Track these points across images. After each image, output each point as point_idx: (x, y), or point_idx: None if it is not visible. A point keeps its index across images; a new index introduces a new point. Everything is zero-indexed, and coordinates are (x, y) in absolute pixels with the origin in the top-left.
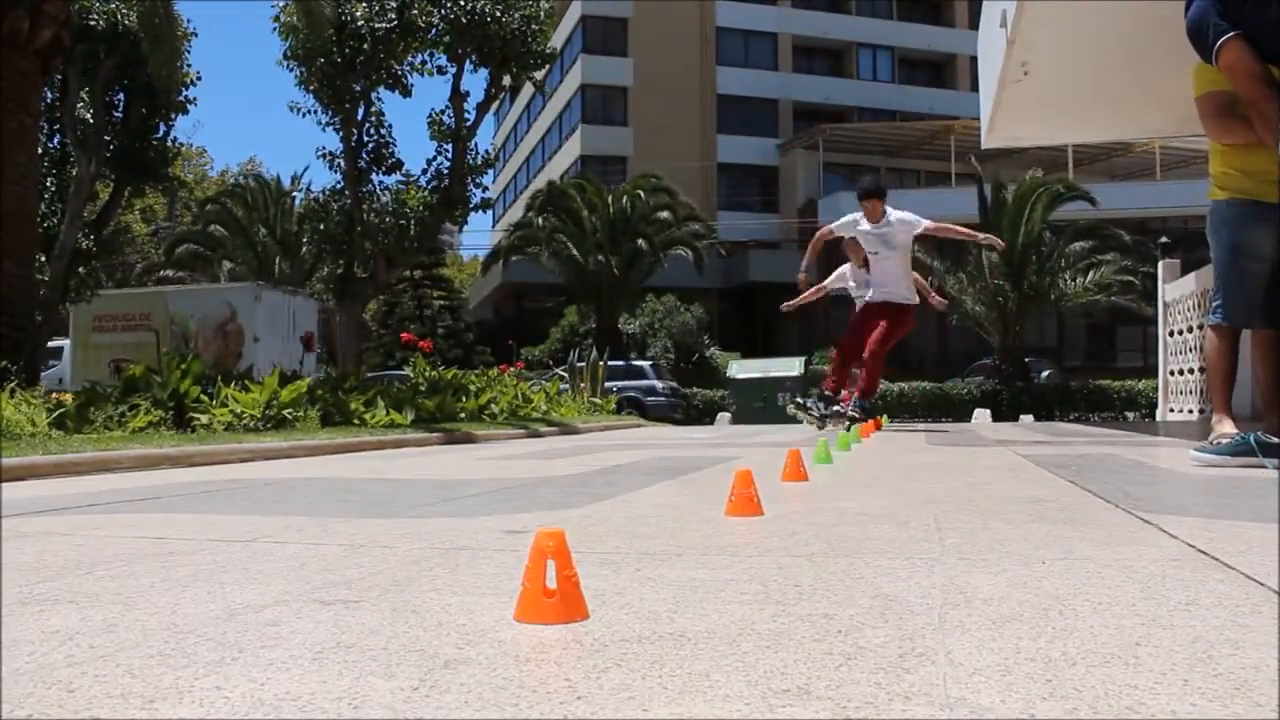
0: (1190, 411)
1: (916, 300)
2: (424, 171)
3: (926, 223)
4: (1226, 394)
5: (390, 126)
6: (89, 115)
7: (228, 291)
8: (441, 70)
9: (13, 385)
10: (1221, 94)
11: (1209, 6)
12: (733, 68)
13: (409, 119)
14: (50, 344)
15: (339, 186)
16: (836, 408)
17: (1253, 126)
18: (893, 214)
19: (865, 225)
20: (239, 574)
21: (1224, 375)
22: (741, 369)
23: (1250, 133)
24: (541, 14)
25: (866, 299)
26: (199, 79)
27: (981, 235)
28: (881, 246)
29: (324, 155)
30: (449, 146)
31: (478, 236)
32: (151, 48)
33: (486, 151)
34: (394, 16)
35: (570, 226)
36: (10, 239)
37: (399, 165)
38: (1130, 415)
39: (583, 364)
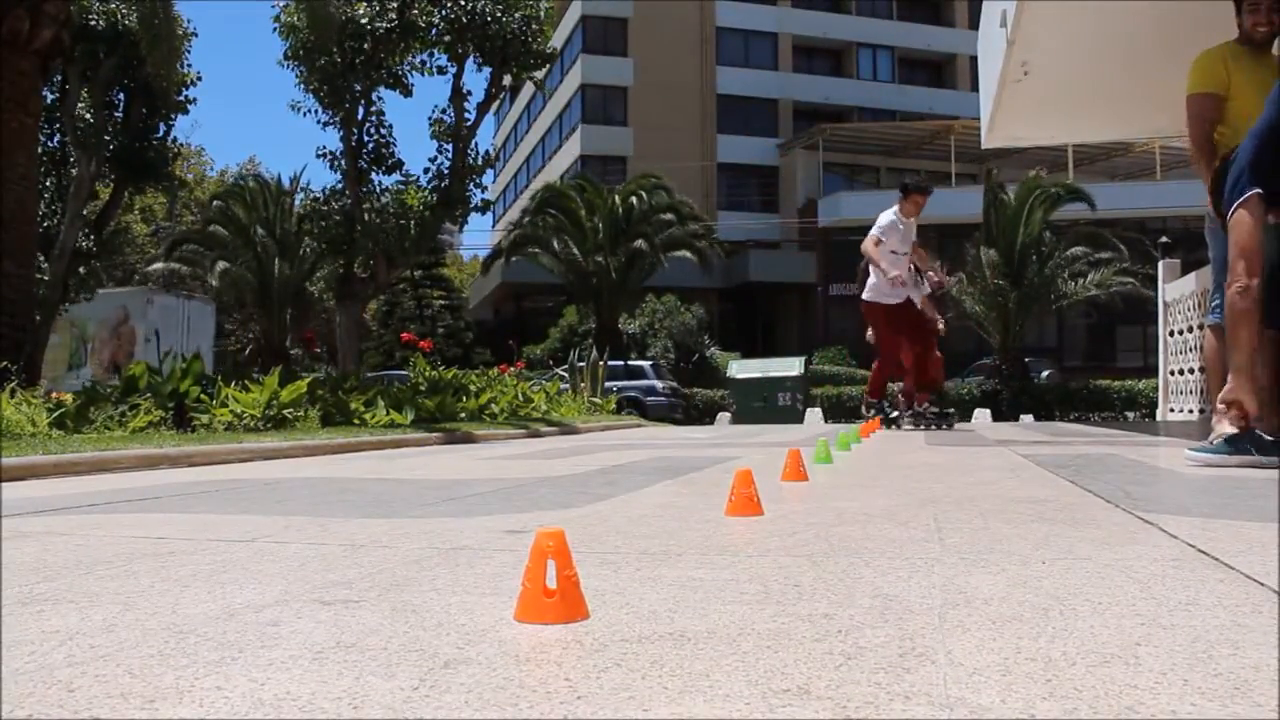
0: (1190, 411)
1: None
2: (425, 171)
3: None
4: None
5: (390, 126)
6: (89, 115)
7: (122, 295)
8: (442, 70)
9: (13, 385)
10: (1206, 97)
11: (1244, 166)
12: (733, 68)
13: (409, 119)
14: None
15: (339, 186)
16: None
17: (1205, 157)
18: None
19: (902, 224)
20: (239, 574)
21: (1223, 376)
22: (741, 369)
23: (1200, 160)
24: (541, 14)
25: (904, 300)
26: (199, 79)
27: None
28: (906, 246)
29: (324, 155)
30: (449, 146)
31: (478, 236)
32: (151, 48)
33: (487, 151)
34: (394, 16)
35: (570, 227)
36: (10, 239)
37: (399, 165)
38: (1130, 415)
39: (583, 364)
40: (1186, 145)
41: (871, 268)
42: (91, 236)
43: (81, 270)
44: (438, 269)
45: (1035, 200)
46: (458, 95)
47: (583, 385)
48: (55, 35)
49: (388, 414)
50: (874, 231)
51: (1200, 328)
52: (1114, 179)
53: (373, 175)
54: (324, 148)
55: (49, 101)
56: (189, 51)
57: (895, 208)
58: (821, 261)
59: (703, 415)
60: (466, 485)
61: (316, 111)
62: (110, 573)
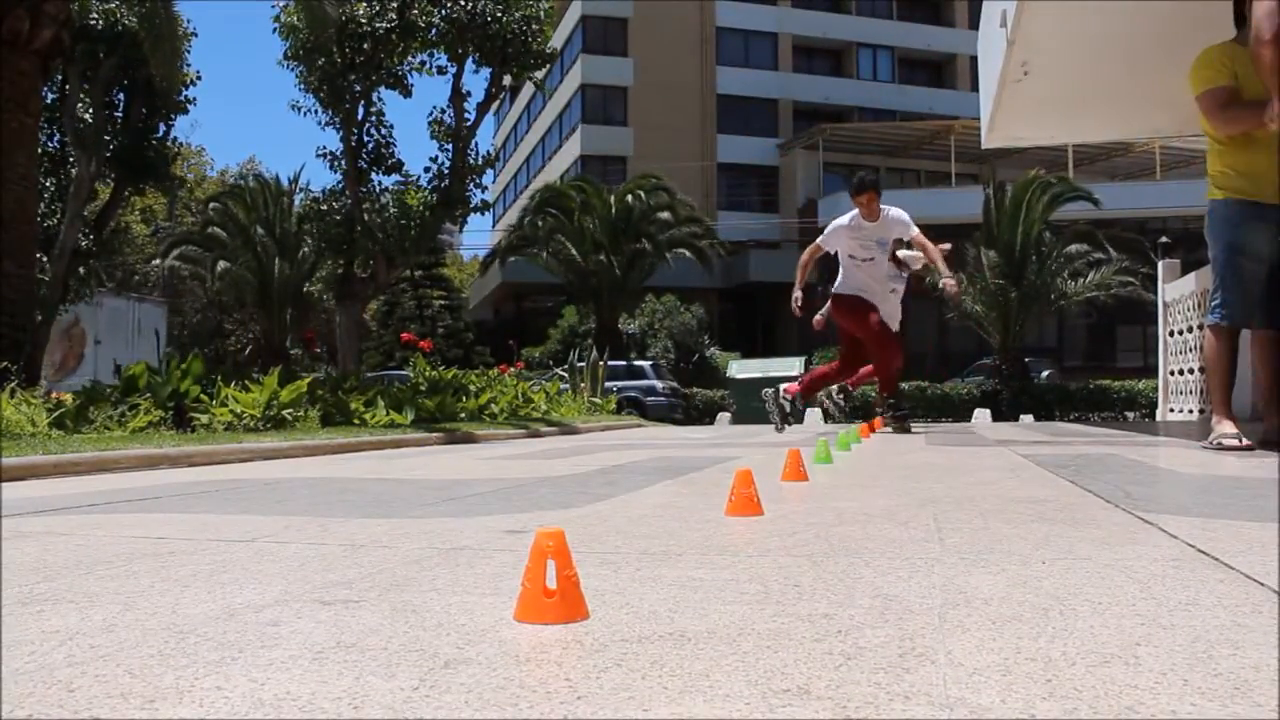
0: (1190, 411)
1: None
2: (426, 170)
3: (916, 230)
4: (1226, 394)
5: (391, 127)
6: (89, 115)
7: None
8: (442, 70)
9: (13, 385)
10: (1221, 90)
11: None
12: (733, 68)
13: (409, 119)
14: None
15: (339, 187)
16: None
17: (1257, 113)
18: (890, 210)
19: (864, 225)
20: (239, 574)
21: (1223, 376)
22: (741, 369)
23: (1255, 119)
24: (542, 14)
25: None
26: (199, 79)
27: (947, 277)
28: (877, 250)
29: (324, 155)
30: (449, 146)
31: (478, 236)
32: (153, 49)
33: (487, 152)
34: (394, 16)
35: (569, 227)
36: (10, 239)
37: (399, 165)
38: (1130, 415)
39: (583, 364)
40: (1188, 145)
41: (843, 269)
42: (91, 236)
43: (81, 270)
44: (438, 269)
45: (1034, 196)
46: (458, 95)
47: (583, 385)
48: (55, 35)
49: (388, 414)
50: (819, 238)
51: (1200, 328)
52: (1114, 179)
53: (373, 175)
54: (324, 148)
55: (49, 101)
56: (189, 51)
57: (855, 211)
58: (822, 262)
59: (703, 415)
60: (466, 485)
61: (316, 111)
62: (110, 573)
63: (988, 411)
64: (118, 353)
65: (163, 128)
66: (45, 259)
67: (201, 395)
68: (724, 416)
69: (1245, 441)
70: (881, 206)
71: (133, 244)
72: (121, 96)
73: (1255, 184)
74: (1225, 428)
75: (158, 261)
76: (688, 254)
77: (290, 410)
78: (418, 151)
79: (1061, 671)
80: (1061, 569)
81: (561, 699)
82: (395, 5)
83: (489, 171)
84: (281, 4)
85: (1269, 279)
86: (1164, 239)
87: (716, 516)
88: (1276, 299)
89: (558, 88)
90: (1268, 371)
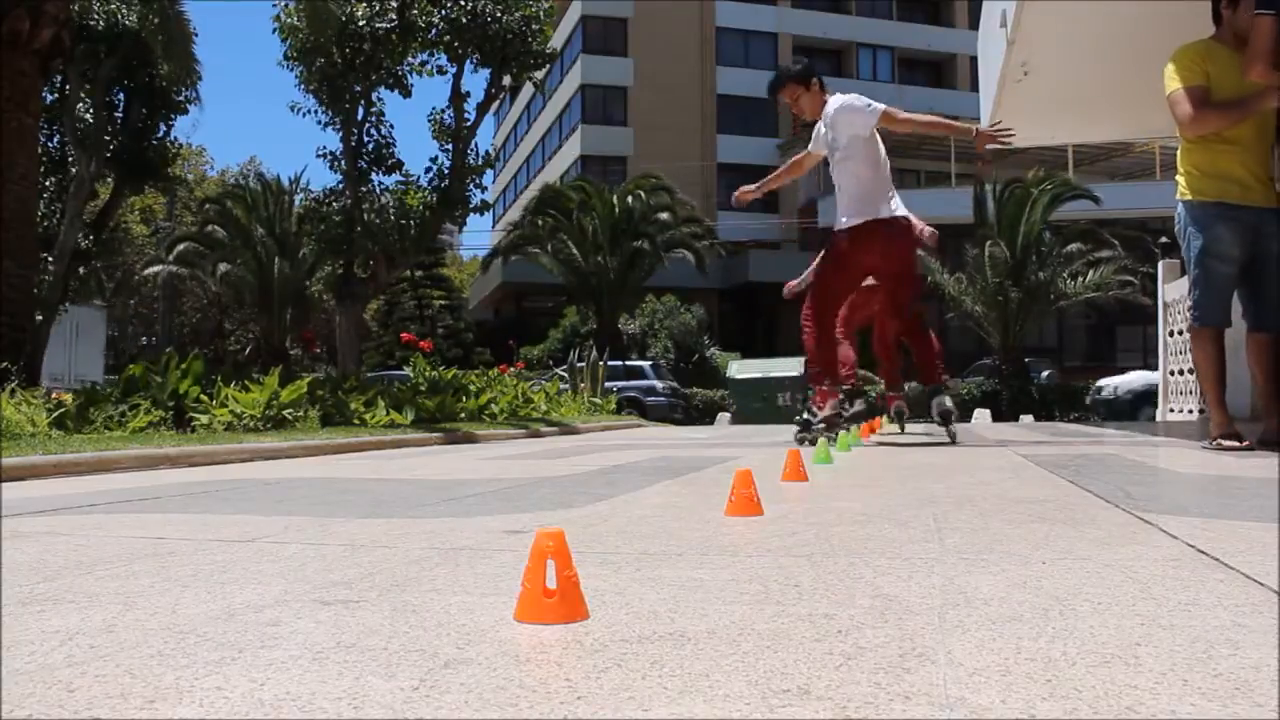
0: (1190, 411)
1: (903, 212)
2: (427, 170)
3: (882, 106)
4: (1219, 394)
5: (391, 127)
6: (89, 115)
7: None
8: (442, 70)
9: (13, 385)
10: (1194, 89)
11: None
12: (733, 68)
13: (409, 119)
14: None
15: (339, 186)
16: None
17: (1226, 113)
18: (834, 101)
19: (819, 126)
20: (239, 574)
21: (1214, 377)
22: (741, 369)
23: (1223, 119)
24: (541, 14)
25: (835, 229)
26: (199, 79)
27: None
28: (840, 154)
29: (324, 155)
30: (450, 146)
31: (478, 236)
32: (167, 52)
33: (487, 152)
34: (394, 16)
35: (569, 227)
36: (10, 239)
37: (399, 165)
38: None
39: (583, 364)
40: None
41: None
42: (91, 236)
43: (82, 270)
44: (438, 269)
45: (1035, 198)
46: (457, 96)
47: (583, 385)
48: (55, 35)
49: (388, 414)
50: None
51: None
52: (1114, 179)
53: (373, 175)
54: (324, 148)
55: (49, 101)
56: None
57: None
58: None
59: (703, 415)
60: (466, 485)
61: (316, 112)
62: (110, 573)
63: (988, 411)
64: (55, 359)
65: (163, 128)
66: (47, 259)
67: (201, 395)
68: (724, 417)
69: (1245, 441)
70: (827, 98)
71: (132, 244)
72: (121, 96)
73: (1222, 185)
74: (1223, 428)
75: (158, 269)
76: (687, 254)
77: (290, 410)
78: (418, 151)
79: (1062, 671)
80: (1061, 569)
81: (561, 699)
82: (395, 5)
83: (489, 171)
84: (281, 4)
85: (1250, 280)
86: (1164, 239)
87: (716, 516)
88: (1260, 300)
89: (558, 88)
90: (1264, 372)
